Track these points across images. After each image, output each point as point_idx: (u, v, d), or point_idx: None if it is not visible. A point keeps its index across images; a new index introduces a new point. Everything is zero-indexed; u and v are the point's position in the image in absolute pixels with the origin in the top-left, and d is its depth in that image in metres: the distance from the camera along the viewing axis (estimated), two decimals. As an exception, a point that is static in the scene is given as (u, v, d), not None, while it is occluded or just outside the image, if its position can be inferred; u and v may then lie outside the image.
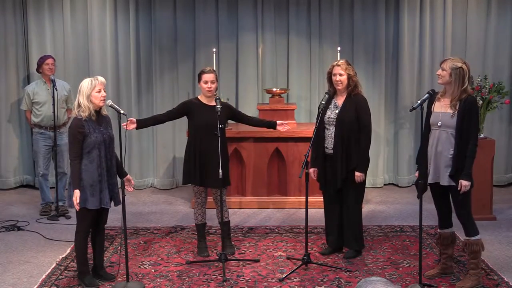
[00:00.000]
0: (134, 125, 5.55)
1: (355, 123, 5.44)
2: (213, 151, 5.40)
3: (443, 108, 4.88)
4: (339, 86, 5.48)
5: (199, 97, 5.72)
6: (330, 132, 5.50)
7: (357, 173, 5.45)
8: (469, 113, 4.79)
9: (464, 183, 4.77)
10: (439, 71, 4.91)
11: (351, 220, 5.59)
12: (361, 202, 5.67)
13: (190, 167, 5.63)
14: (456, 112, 4.80)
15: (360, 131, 5.45)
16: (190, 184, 5.79)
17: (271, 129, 5.91)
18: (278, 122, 5.79)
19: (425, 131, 4.98)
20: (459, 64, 4.82)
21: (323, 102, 5.46)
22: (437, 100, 4.94)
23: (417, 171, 5.07)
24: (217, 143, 5.30)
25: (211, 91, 5.60)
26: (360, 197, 5.63)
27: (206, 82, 5.58)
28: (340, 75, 5.45)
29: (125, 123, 5.47)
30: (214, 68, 6.53)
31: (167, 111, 5.86)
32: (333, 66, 5.51)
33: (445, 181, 4.86)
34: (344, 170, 5.46)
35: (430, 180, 4.94)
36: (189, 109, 5.65)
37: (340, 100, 5.53)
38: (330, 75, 5.54)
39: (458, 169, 4.80)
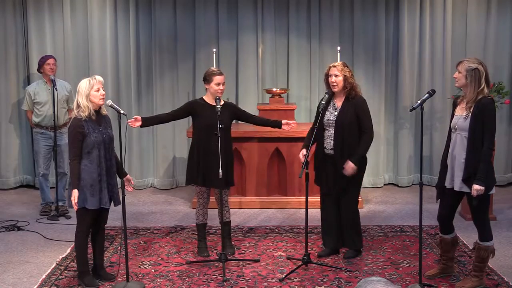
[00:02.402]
0: (140, 123, 5.59)
1: (354, 125, 5.44)
2: (216, 151, 5.41)
3: (460, 111, 4.83)
4: (335, 87, 5.46)
5: (204, 97, 5.73)
6: (330, 132, 5.49)
7: (349, 163, 5.40)
8: (483, 115, 4.67)
9: (477, 187, 4.64)
10: (456, 74, 4.83)
11: (351, 220, 5.59)
12: (357, 201, 5.67)
13: (193, 167, 5.64)
14: (470, 114, 4.71)
15: (362, 133, 5.44)
16: (192, 184, 5.80)
17: (277, 129, 5.93)
18: (283, 121, 5.82)
19: (448, 134, 4.95)
20: (475, 65, 4.71)
21: (323, 102, 5.45)
22: (458, 104, 4.89)
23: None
24: (223, 143, 5.31)
25: (222, 92, 5.65)
26: (357, 196, 5.63)
27: (218, 84, 5.60)
28: (336, 76, 5.44)
29: (131, 120, 5.49)
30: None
31: (172, 110, 5.89)
32: (330, 67, 5.51)
33: (457, 186, 4.80)
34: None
35: (447, 184, 4.89)
36: (194, 109, 5.67)
37: (339, 102, 5.52)
38: (327, 76, 5.54)
39: (470, 174, 4.70)
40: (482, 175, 4.66)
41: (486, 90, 4.74)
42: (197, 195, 5.77)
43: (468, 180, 4.72)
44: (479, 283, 4.91)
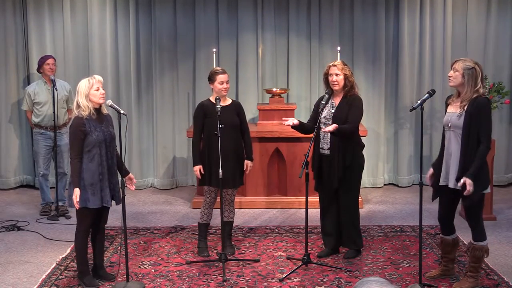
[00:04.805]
0: (200, 168, 5.59)
1: None
2: (227, 151, 5.41)
3: (453, 109, 4.83)
4: (336, 86, 5.47)
5: (210, 98, 5.73)
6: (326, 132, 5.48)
7: (330, 127, 5.30)
8: (478, 114, 4.67)
9: (467, 181, 4.64)
10: (451, 73, 4.82)
11: (350, 220, 5.59)
12: (357, 201, 5.68)
13: (205, 168, 5.64)
14: (463, 112, 4.72)
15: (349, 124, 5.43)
16: (205, 186, 5.79)
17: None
18: (247, 162, 5.73)
19: (443, 132, 4.96)
20: (471, 65, 4.72)
21: (323, 102, 5.46)
22: (451, 101, 4.90)
23: (430, 173, 5.02)
24: (232, 143, 5.36)
25: (227, 90, 5.67)
26: (357, 196, 5.64)
27: (222, 83, 5.61)
28: (337, 75, 5.44)
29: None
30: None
31: (195, 135, 5.70)
32: (329, 67, 5.50)
33: (452, 183, 4.80)
34: (341, 169, 5.44)
35: (440, 182, 4.89)
36: (205, 113, 5.66)
37: (337, 100, 5.53)
38: (326, 76, 5.53)
39: (464, 171, 4.70)
40: (474, 170, 4.66)
41: (482, 90, 4.75)
42: (204, 193, 5.76)
43: (461, 177, 4.72)
44: (475, 284, 4.91)
